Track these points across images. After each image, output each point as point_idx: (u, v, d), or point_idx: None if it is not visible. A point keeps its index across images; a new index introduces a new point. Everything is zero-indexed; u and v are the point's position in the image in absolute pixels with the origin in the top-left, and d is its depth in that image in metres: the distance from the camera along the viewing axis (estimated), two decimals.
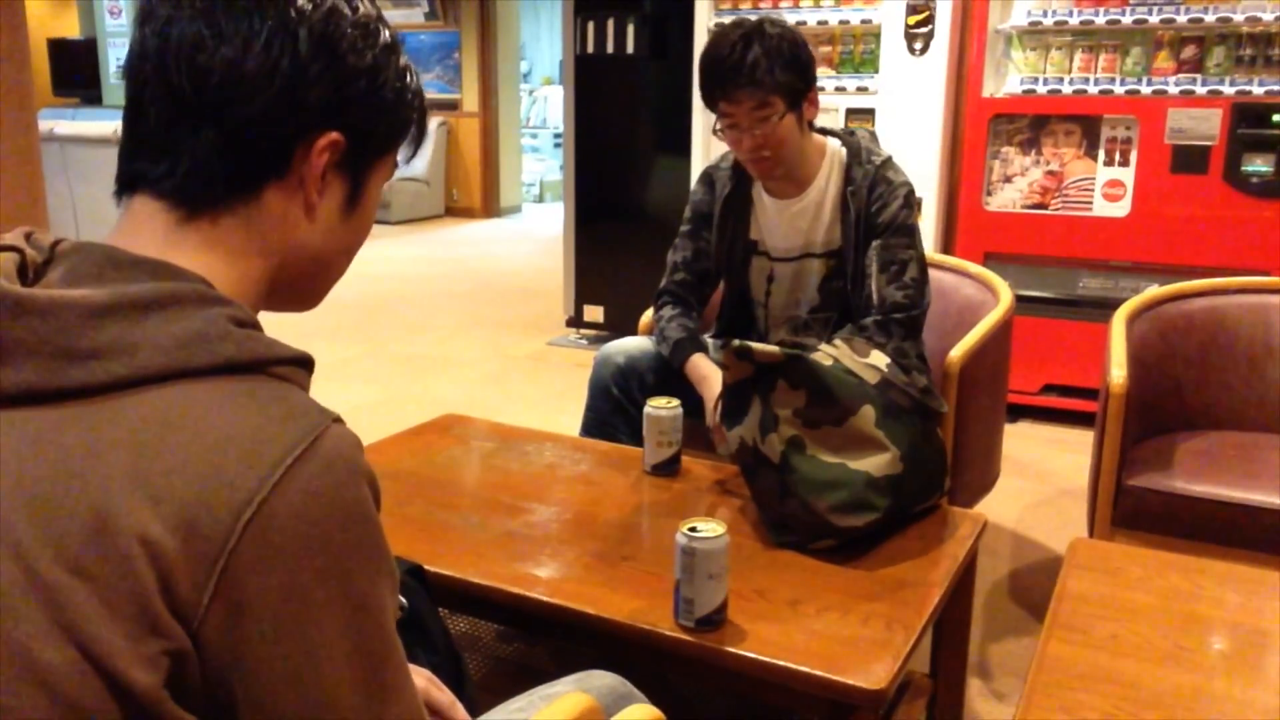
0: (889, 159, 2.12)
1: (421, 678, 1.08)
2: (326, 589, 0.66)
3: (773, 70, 1.95)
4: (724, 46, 1.98)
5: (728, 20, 4.10)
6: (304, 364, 0.74)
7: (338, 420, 0.69)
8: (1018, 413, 3.72)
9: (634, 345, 2.28)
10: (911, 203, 2.09)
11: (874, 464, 1.64)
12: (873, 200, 2.07)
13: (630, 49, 4.55)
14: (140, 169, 0.75)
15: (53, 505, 0.63)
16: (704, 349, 2.18)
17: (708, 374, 2.09)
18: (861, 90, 3.89)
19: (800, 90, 2.01)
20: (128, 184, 0.77)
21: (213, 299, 0.71)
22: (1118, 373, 2.14)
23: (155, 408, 0.66)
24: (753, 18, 2.04)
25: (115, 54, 9.24)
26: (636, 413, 2.06)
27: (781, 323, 2.24)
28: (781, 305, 2.23)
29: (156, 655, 0.63)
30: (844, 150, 2.14)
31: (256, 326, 0.73)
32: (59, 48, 9.31)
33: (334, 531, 0.66)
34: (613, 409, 2.21)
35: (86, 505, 0.63)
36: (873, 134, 2.22)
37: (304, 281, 0.83)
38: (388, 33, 0.79)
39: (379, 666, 0.70)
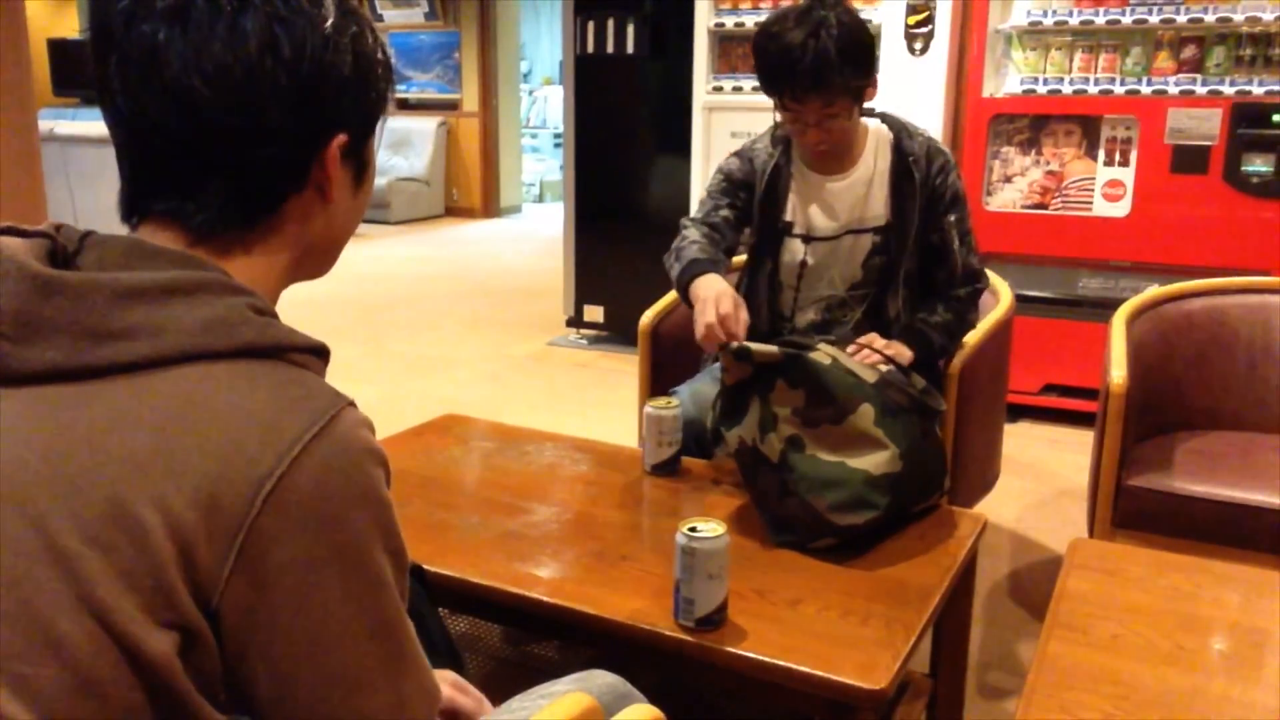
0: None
1: (446, 681, 1.08)
2: (343, 563, 0.68)
3: (843, 73, 1.91)
4: (791, 43, 1.90)
5: (728, 22, 4.14)
6: (319, 353, 0.76)
7: (351, 404, 0.71)
8: (1018, 413, 3.72)
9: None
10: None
11: (873, 462, 1.63)
12: (934, 171, 2.09)
13: (630, 49, 4.55)
14: (150, 206, 0.76)
15: (75, 479, 0.65)
16: (719, 271, 1.98)
17: (715, 291, 1.85)
18: None
19: (865, 85, 2.00)
20: (141, 214, 0.77)
21: (234, 288, 0.73)
22: (1118, 373, 2.14)
23: (177, 387, 0.67)
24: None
25: None
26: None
27: (812, 304, 2.20)
28: (815, 286, 2.19)
29: (170, 626, 0.64)
30: (884, 126, 2.14)
31: (274, 316, 0.75)
32: (59, 48, 9.32)
33: (349, 508, 0.68)
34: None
35: (108, 480, 0.64)
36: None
37: (323, 259, 0.86)
38: (351, 18, 0.78)
39: (397, 639, 0.73)
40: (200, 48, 0.70)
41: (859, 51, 1.94)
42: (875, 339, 2.02)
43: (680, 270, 2.03)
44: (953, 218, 2.12)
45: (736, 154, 2.23)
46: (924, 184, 2.09)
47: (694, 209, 2.26)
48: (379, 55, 0.80)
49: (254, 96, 0.72)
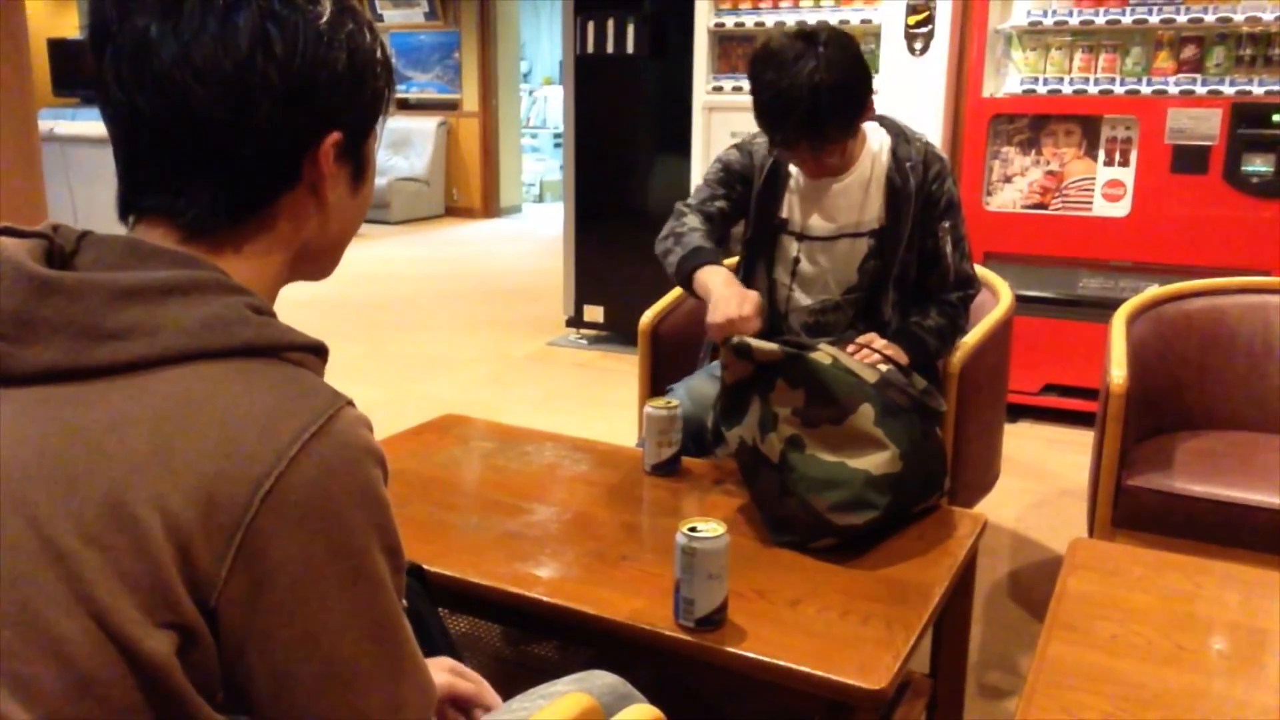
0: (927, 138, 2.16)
1: (444, 668, 1.09)
2: (340, 563, 0.68)
3: (834, 121, 1.92)
4: (780, 93, 1.88)
5: (728, 22, 4.13)
6: (318, 352, 0.76)
7: (350, 403, 0.71)
8: (1018, 413, 3.72)
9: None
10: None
11: (873, 462, 1.63)
12: (930, 177, 2.10)
13: (630, 49, 4.55)
14: (146, 203, 0.76)
15: (73, 479, 0.65)
16: (720, 261, 2.00)
17: (744, 292, 1.85)
18: None
19: (860, 121, 2.00)
20: (135, 212, 0.77)
21: (232, 287, 0.73)
22: (1118, 373, 2.14)
23: (176, 386, 0.67)
24: (808, 25, 1.93)
25: None
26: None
27: (806, 305, 2.19)
28: (810, 288, 2.19)
29: (168, 627, 0.64)
30: (883, 130, 2.14)
31: (272, 315, 0.75)
32: (59, 48, 9.32)
33: (347, 507, 0.68)
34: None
35: (107, 479, 0.64)
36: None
37: (323, 259, 0.85)
38: (348, 16, 0.78)
39: (394, 638, 0.73)
40: (191, 43, 0.70)
41: (851, 96, 1.93)
42: (875, 339, 2.02)
43: (683, 255, 2.02)
44: (947, 223, 2.12)
45: (737, 146, 2.22)
46: (919, 189, 2.09)
47: (691, 195, 2.26)
48: (377, 54, 0.80)
49: (244, 93, 0.71)
